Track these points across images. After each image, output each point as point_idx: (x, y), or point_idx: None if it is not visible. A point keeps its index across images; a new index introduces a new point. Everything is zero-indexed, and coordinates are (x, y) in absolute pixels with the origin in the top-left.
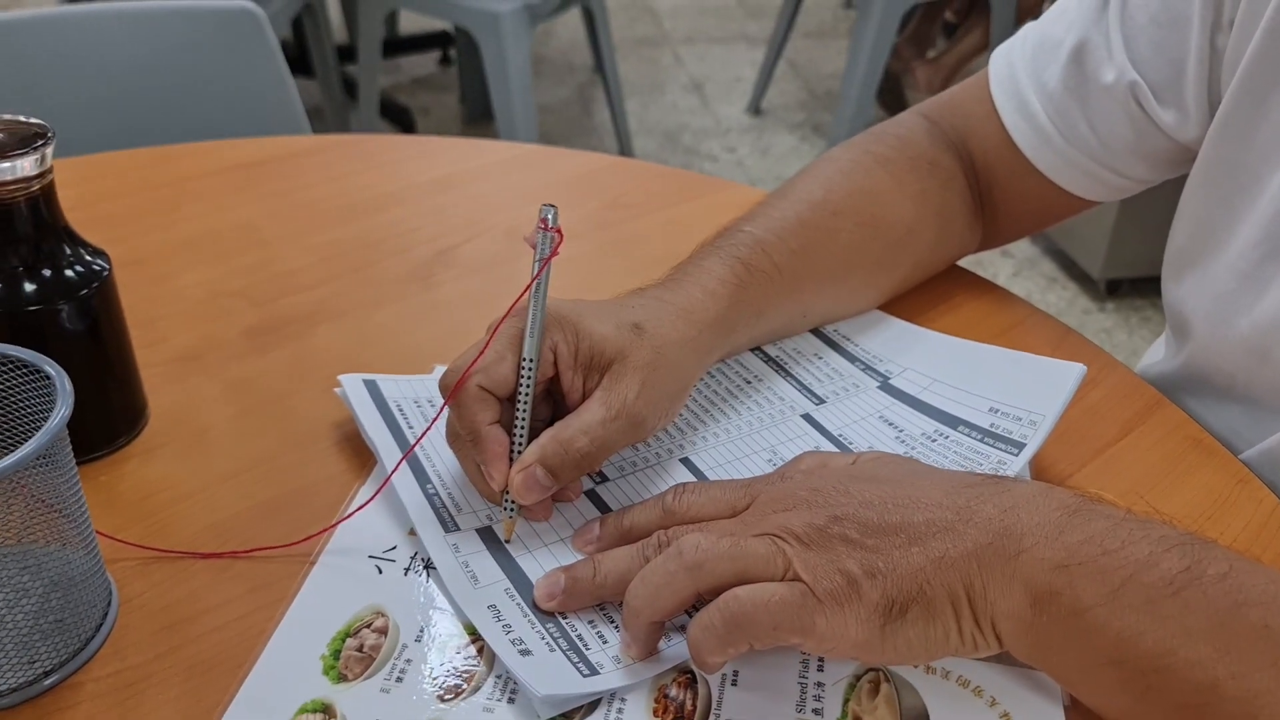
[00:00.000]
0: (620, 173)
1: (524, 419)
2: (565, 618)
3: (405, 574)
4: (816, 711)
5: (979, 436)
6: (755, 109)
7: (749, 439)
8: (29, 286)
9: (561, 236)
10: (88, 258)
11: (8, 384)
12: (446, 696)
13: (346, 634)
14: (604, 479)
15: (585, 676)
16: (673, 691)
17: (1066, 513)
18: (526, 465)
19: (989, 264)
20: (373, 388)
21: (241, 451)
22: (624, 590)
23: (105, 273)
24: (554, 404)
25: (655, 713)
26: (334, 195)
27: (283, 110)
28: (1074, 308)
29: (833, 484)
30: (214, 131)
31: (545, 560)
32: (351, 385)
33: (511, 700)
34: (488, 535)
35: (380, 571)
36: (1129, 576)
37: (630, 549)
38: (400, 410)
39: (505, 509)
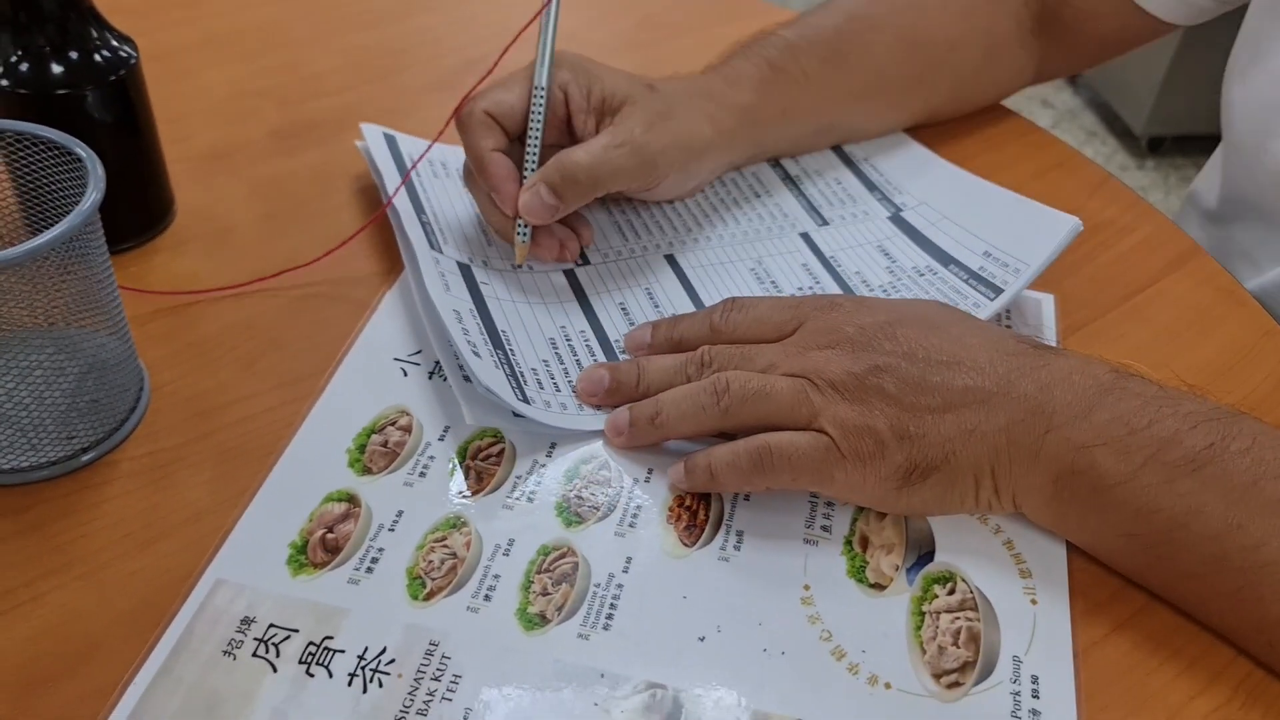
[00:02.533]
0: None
1: (535, 148)
2: (514, 353)
3: (430, 377)
4: (825, 529)
5: (965, 277)
6: None
7: (738, 247)
8: (56, 69)
9: None
10: (115, 43)
11: (39, 166)
12: (466, 492)
13: (372, 430)
14: (586, 262)
15: (518, 400)
16: (687, 502)
17: (1100, 390)
18: (532, 184)
19: (1027, 114)
20: (392, 143)
21: (269, 251)
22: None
23: (133, 60)
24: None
25: (669, 520)
26: None
27: None
28: (1111, 163)
29: (880, 324)
30: None
31: (509, 309)
32: (372, 135)
33: (530, 500)
34: (467, 271)
35: (405, 374)
36: (1151, 455)
37: (675, 361)
38: (414, 165)
39: (518, 233)
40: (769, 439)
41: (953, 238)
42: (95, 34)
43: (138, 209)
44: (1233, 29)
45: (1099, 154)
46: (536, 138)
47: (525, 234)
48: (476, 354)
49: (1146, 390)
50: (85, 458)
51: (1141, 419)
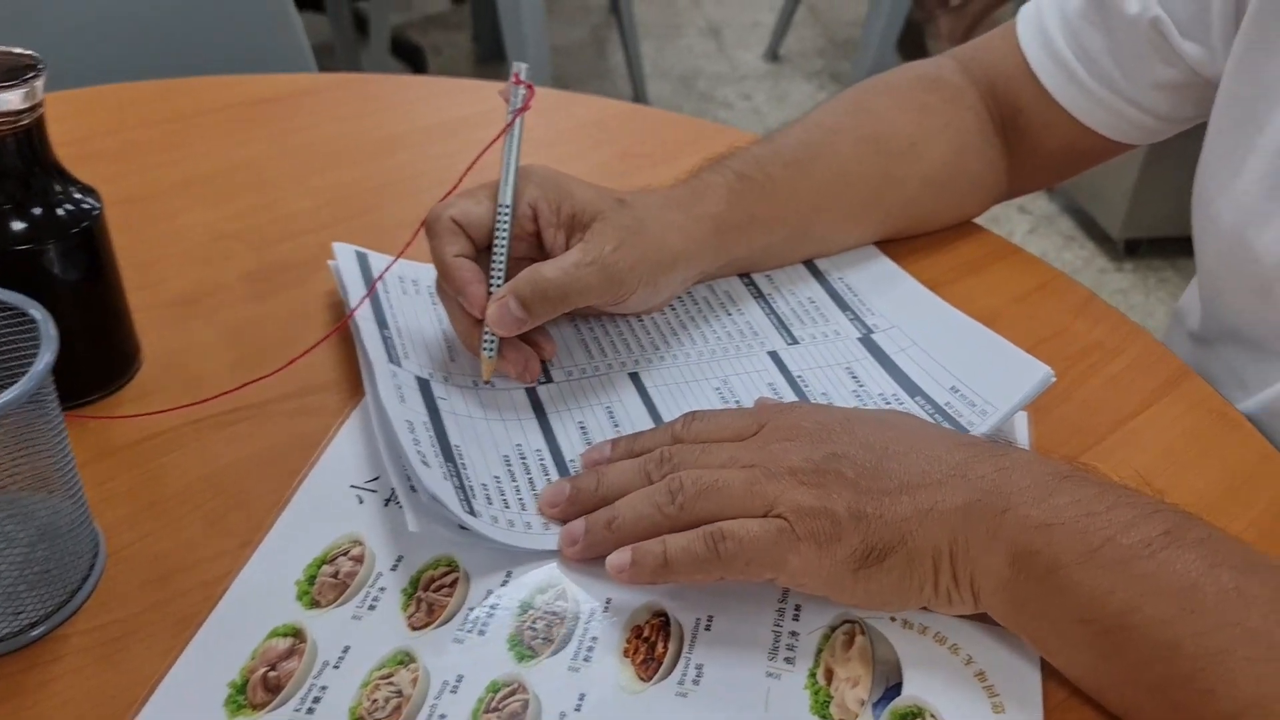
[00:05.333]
0: (634, 121)
1: (501, 262)
2: (465, 467)
3: (386, 505)
4: (789, 661)
5: (931, 411)
6: (773, 55)
7: (704, 365)
8: (17, 225)
9: (532, 91)
10: (78, 196)
11: None
12: (417, 625)
13: (323, 560)
14: (549, 380)
15: (464, 512)
16: (646, 634)
17: (1057, 477)
18: (501, 297)
19: (1005, 220)
20: (363, 260)
21: (238, 402)
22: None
23: (96, 211)
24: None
25: (626, 653)
26: (339, 136)
27: (287, 47)
28: (1090, 267)
29: (839, 420)
30: (215, 68)
31: (465, 424)
32: (343, 254)
33: (482, 633)
34: (425, 386)
35: (361, 502)
36: (1109, 538)
37: (634, 463)
38: (383, 281)
39: (485, 349)
40: (724, 524)
41: (921, 367)
42: (58, 188)
43: (100, 361)
44: (1203, 130)
45: (1078, 257)
46: (503, 252)
47: (492, 350)
48: (425, 464)
49: (1103, 481)
50: (34, 633)
51: (1099, 504)
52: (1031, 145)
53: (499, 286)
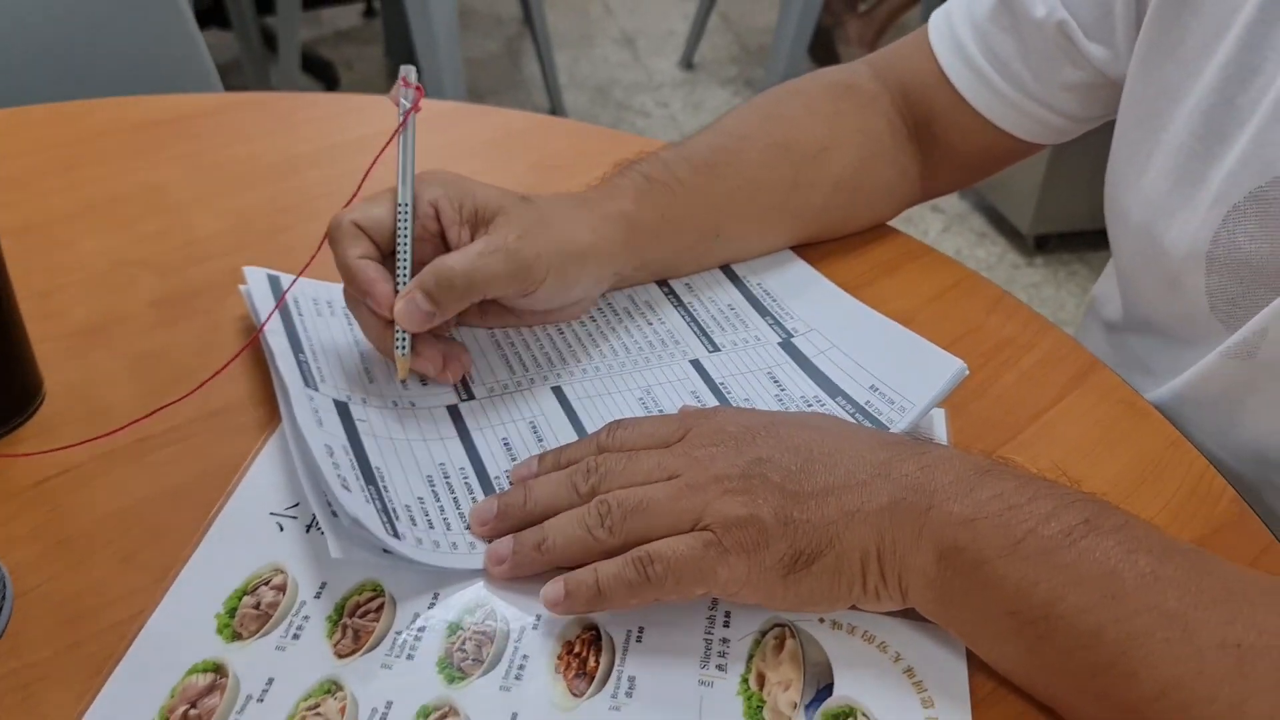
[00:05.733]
0: (548, 132)
1: (405, 260)
2: (387, 489)
3: (307, 531)
4: (720, 668)
5: (852, 410)
6: (687, 63)
7: (626, 376)
8: None
9: (421, 92)
10: None
11: None
12: (344, 653)
13: (244, 591)
14: (470, 396)
15: (388, 535)
16: (577, 649)
17: (978, 472)
18: (408, 293)
19: (919, 220)
20: (275, 283)
21: (148, 431)
22: (551, 515)
23: None
24: None
25: (558, 669)
26: (246, 157)
27: (191, 66)
28: (1003, 263)
29: (763, 423)
30: (115, 89)
31: (385, 445)
32: (254, 277)
33: (410, 657)
34: (343, 409)
35: (281, 529)
36: (1030, 530)
37: (560, 475)
38: (296, 304)
39: (397, 348)
40: (650, 546)
41: (841, 368)
42: None
43: (0, 397)
44: (1107, 128)
45: (990, 254)
46: (406, 250)
47: (405, 347)
48: (346, 488)
49: (1021, 474)
50: None
51: (1020, 497)
52: (946, 148)
53: (405, 285)
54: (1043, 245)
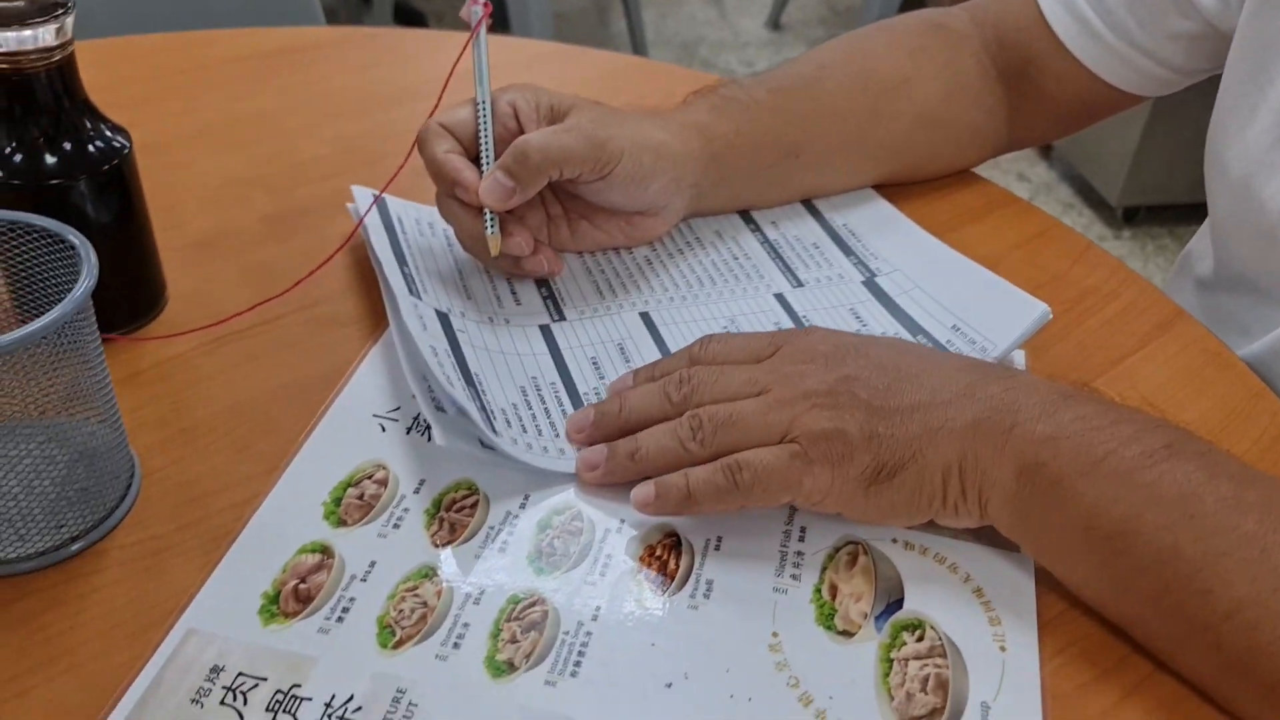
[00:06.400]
0: (639, 74)
1: (487, 149)
2: (485, 393)
3: (407, 433)
4: (795, 577)
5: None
6: (775, 23)
7: (711, 304)
8: (50, 159)
9: (489, 8)
10: (108, 133)
11: (31, 256)
12: (440, 543)
13: (348, 484)
14: (561, 318)
15: (489, 430)
16: (659, 552)
17: (1062, 396)
18: (490, 173)
19: (1003, 186)
20: (380, 204)
21: (260, 335)
22: (646, 425)
23: (126, 149)
24: None
25: (640, 569)
26: (351, 87)
27: (297, 4)
28: (1089, 234)
29: (853, 343)
30: (229, 21)
31: (483, 355)
32: (361, 196)
33: (502, 550)
34: (444, 319)
35: (383, 429)
36: (1111, 450)
37: (653, 387)
38: (399, 223)
39: (487, 226)
40: (741, 455)
41: (923, 308)
42: (89, 125)
43: (129, 296)
44: (1204, 98)
45: (1076, 225)
46: (487, 143)
47: (494, 226)
48: (451, 384)
49: (1105, 400)
50: (74, 547)
51: (1103, 420)
52: (1040, 96)
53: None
54: (1131, 218)
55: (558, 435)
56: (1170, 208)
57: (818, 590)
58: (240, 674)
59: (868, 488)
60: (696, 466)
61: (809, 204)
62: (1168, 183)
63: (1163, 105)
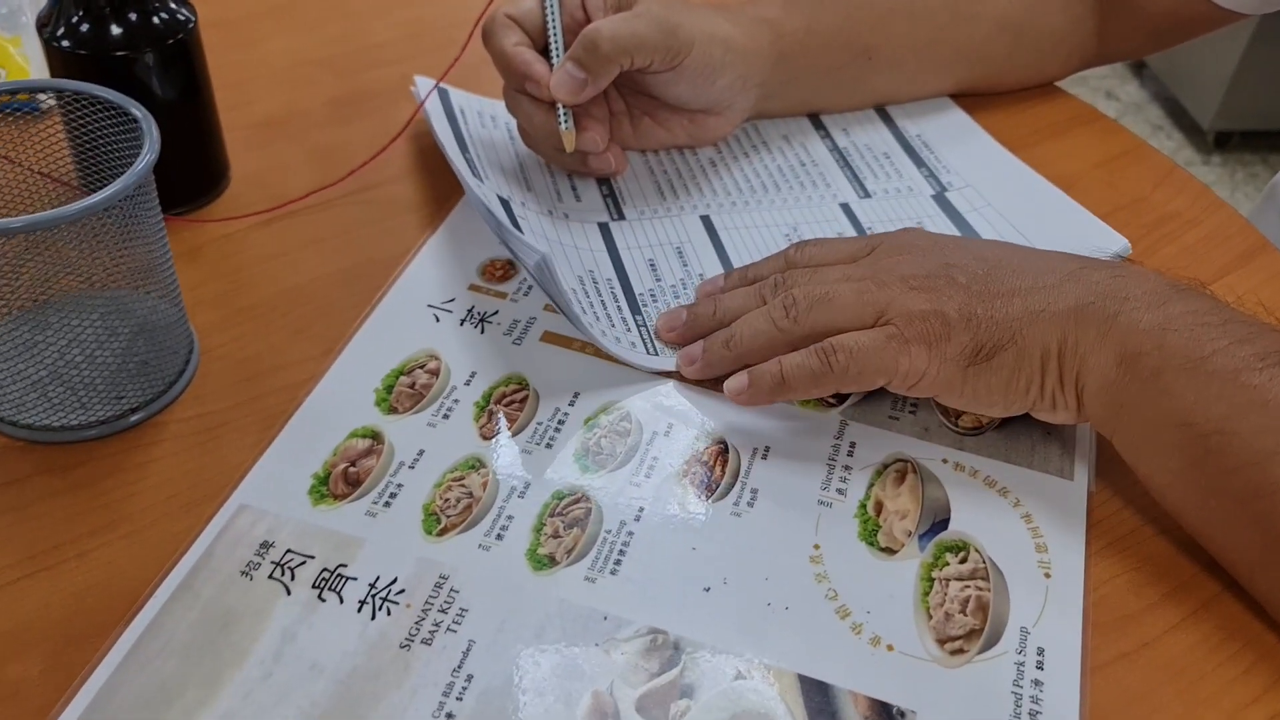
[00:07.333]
0: None
1: (556, 42)
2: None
3: (461, 325)
4: (840, 492)
5: None
6: None
7: (774, 211)
8: (115, 30)
9: None
10: (174, 6)
11: (95, 127)
12: (488, 435)
13: (401, 372)
14: (621, 216)
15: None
16: (705, 458)
17: (1174, 289)
18: (561, 65)
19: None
20: (443, 94)
21: (321, 218)
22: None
23: (191, 24)
24: None
25: (685, 473)
26: None
27: None
28: (1176, 158)
29: (953, 239)
30: None
31: (542, 244)
32: (425, 86)
33: (549, 446)
34: (505, 205)
35: (438, 320)
36: (1220, 348)
37: (748, 290)
38: (462, 114)
39: (560, 121)
40: (835, 338)
41: (994, 228)
42: None
43: (192, 173)
44: None
45: (1164, 148)
46: (556, 33)
47: (568, 121)
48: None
49: (1220, 300)
50: (134, 418)
51: (1214, 317)
52: (1132, 8)
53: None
54: (1223, 143)
55: (614, 326)
56: (1266, 134)
57: (863, 505)
58: (289, 550)
59: (966, 368)
60: (790, 354)
61: (883, 111)
62: (1267, 108)
63: (1266, 26)
